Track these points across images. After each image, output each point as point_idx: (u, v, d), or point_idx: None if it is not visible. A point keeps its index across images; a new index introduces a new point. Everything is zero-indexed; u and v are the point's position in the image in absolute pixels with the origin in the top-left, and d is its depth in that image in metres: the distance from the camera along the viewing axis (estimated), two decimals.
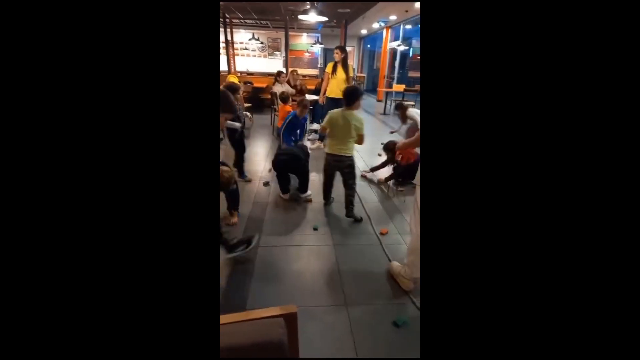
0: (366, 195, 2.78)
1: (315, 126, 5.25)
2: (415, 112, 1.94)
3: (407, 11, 6.59)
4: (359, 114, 2.30)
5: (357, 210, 2.38)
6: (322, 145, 2.92)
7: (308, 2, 4.56)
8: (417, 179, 1.49)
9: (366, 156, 3.81)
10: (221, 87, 2.23)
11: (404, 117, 3.05)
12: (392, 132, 3.68)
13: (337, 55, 3.96)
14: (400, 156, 2.91)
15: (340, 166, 2.32)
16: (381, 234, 2.15)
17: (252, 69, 9.66)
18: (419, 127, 3.47)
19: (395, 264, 1.73)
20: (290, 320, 0.75)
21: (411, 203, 1.66)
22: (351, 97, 2.21)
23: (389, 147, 3.11)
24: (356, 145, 2.35)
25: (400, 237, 2.13)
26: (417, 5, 5.81)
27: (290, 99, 4.35)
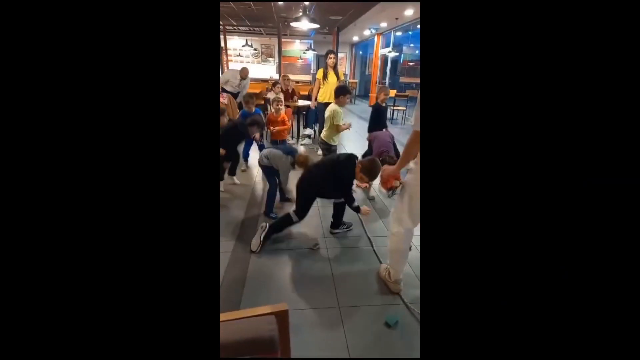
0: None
1: (308, 131, 5.27)
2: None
3: (397, 19, 6.72)
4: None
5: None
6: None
7: (300, 8, 4.62)
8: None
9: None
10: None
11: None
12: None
13: (332, 60, 3.91)
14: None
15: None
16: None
17: None
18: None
19: (383, 266, 1.75)
20: (281, 317, 0.77)
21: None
22: (336, 92, 2.90)
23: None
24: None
25: None
26: (407, 12, 5.94)
27: (281, 104, 4.36)
